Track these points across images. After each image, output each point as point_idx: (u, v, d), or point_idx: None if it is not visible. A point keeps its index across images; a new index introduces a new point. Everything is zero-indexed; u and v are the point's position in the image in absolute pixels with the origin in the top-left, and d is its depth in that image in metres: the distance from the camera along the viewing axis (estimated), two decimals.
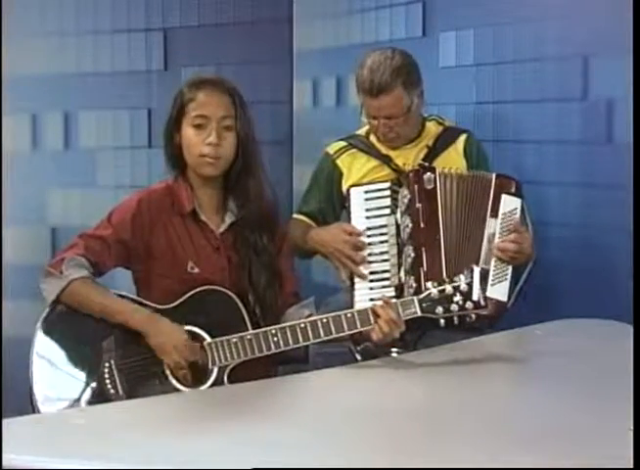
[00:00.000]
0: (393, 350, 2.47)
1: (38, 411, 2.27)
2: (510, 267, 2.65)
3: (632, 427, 1.73)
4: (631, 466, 1.61)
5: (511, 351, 2.44)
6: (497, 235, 2.66)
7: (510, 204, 2.69)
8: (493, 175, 2.72)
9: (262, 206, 2.51)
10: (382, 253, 2.71)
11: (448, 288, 2.30)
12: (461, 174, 2.74)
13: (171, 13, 3.63)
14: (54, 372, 2.32)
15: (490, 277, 2.63)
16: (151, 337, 2.32)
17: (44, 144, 3.57)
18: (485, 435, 1.81)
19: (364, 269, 2.70)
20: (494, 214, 2.68)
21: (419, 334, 2.59)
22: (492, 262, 2.64)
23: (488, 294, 2.59)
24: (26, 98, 3.50)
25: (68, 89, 3.55)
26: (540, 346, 2.53)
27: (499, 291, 2.64)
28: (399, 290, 2.65)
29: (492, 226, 2.67)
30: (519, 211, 2.70)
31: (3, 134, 3.44)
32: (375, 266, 2.71)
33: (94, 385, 2.31)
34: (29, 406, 2.28)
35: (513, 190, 2.70)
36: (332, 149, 2.96)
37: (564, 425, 1.84)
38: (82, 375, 2.32)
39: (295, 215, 2.96)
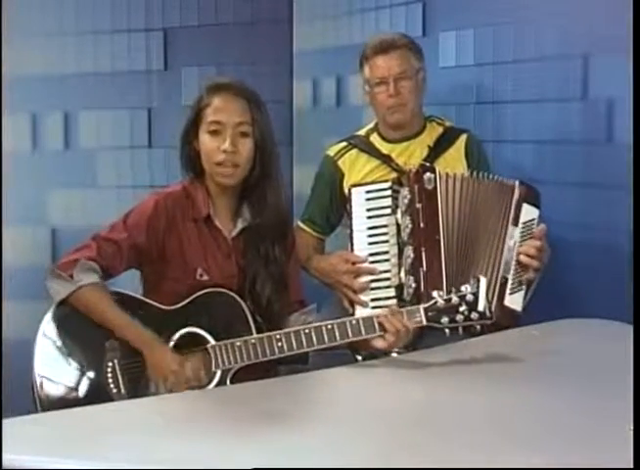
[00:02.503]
0: (394, 350, 2.47)
1: (40, 411, 2.27)
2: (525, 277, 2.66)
3: (632, 427, 1.73)
4: (631, 466, 1.61)
5: (511, 351, 2.44)
6: (517, 244, 2.66)
7: (530, 213, 2.69)
8: (516, 183, 2.71)
9: (278, 213, 2.50)
10: (383, 253, 2.71)
11: (454, 298, 2.30)
12: (471, 177, 2.72)
13: (171, 13, 3.63)
14: (57, 371, 2.32)
15: (509, 286, 2.64)
16: (147, 359, 2.31)
17: (44, 144, 3.57)
18: (485, 435, 1.81)
19: (365, 296, 2.70)
20: (515, 223, 2.67)
21: (419, 334, 2.58)
22: (512, 271, 2.65)
23: (506, 303, 2.61)
24: (26, 98, 3.50)
25: (68, 89, 3.55)
26: (540, 345, 2.53)
27: (516, 300, 2.65)
28: (399, 290, 2.65)
29: (513, 235, 2.67)
30: (536, 221, 2.70)
31: (3, 134, 3.44)
32: (375, 266, 2.71)
33: (97, 384, 2.31)
34: (30, 406, 2.28)
35: (533, 200, 2.71)
36: (332, 151, 2.97)
37: (564, 425, 1.85)
38: (85, 374, 2.32)
39: (299, 223, 2.96)
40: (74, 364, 2.33)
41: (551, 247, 2.74)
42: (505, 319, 2.60)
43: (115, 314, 2.34)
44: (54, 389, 2.31)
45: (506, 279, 2.65)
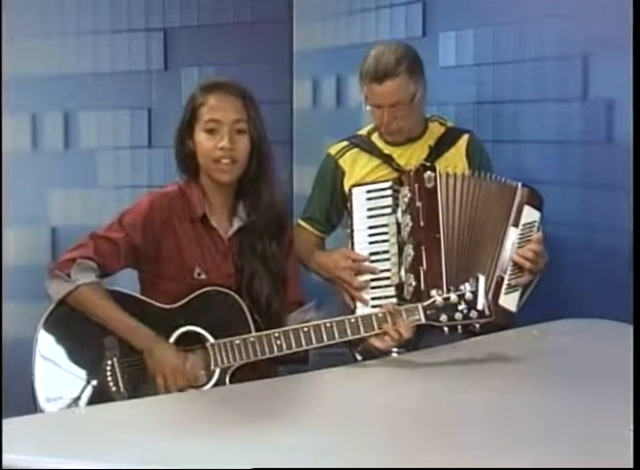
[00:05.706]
0: (394, 349, 2.47)
1: (40, 410, 2.27)
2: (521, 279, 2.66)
3: (632, 427, 1.73)
4: (631, 466, 1.61)
5: (511, 350, 2.44)
6: (516, 245, 2.66)
7: (531, 216, 2.70)
8: (519, 184, 2.72)
9: (274, 210, 2.50)
10: (383, 252, 2.71)
11: (453, 296, 2.30)
12: (472, 177, 2.73)
13: (171, 13, 3.63)
14: (56, 370, 2.33)
15: (504, 286, 2.64)
16: (149, 357, 2.32)
17: (44, 144, 3.57)
18: (485, 435, 1.81)
19: (365, 295, 2.70)
20: (516, 224, 2.68)
21: (420, 335, 2.58)
22: (509, 271, 2.65)
23: (501, 302, 2.61)
24: (26, 98, 3.50)
25: (68, 89, 3.55)
26: (540, 345, 2.53)
27: (510, 301, 2.65)
28: (399, 289, 2.65)
29: (513, 235, 2.67)
30: (537, 224, 2.71)
31: (3, 134, 3.44)
32: (376, 266, 2.71)
33: (96, 383, 2.31)
34: (30, 406, 2.28)
35: (535, 203, 2.72)
36: (333, 149, 2.96)
37: (564, 425, 1.85)
38: (84, 373, 2.32)
39: (299, 221, 2.96)
40: (73, 365, 2.33)
41: (551, 247, 2.74)
42: (498, 318, 2.60)
43: (114, 313, 2.34)
44: (53, 388, 2.31)
45: (502, 279, 2.65)
